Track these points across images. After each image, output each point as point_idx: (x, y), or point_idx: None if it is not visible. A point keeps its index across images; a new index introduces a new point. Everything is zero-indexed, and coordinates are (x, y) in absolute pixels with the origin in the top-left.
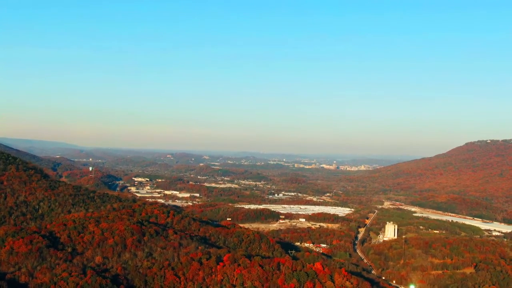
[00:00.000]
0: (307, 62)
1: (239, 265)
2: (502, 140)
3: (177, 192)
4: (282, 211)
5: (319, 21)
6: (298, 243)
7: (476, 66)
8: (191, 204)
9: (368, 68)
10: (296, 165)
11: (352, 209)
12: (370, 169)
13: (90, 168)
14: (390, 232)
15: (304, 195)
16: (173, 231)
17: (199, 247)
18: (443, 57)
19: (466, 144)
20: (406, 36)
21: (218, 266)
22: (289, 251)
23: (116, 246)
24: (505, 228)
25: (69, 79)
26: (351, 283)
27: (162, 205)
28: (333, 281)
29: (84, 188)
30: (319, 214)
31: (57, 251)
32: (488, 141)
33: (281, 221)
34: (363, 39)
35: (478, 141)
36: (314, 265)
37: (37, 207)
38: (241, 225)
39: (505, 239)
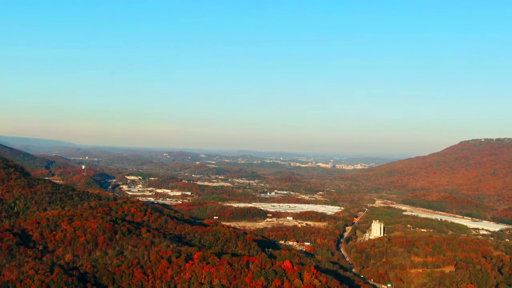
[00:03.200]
0: (305, 61)
1: (208, 263)
2: (496, 139)
3: (169, 191)
4: (271, 210)
5: (316, 20)
6: (282, 241)
7: (472, 65)
8: (180, 202)
9: (366, 68)
10: (292, 163)
11: (342, 208)
12: (366, 167)
13: (83, 167)
14: (376, 230)
15: (297, 193)
16: (146, 229)
17: (171, 245)
18: (439, 56)
19: (460, 143)
20: (403, 35)
21: (187, 264)
22: (267, 249)
23: (87, 244)
24: (493, 227)
25: (68, 77)
26: (320, 281)
27: (143, 203)
28: (301, 279)
29: (64, 186)
30: (306, 212)
31: (27, 249)
32: (482, 140)
33: (268, 219)
34: (360, 39)
35: (472, 139)
36: (283, 263)
37: (12, 205)
38: (227, 223)
39: (491, 238)
